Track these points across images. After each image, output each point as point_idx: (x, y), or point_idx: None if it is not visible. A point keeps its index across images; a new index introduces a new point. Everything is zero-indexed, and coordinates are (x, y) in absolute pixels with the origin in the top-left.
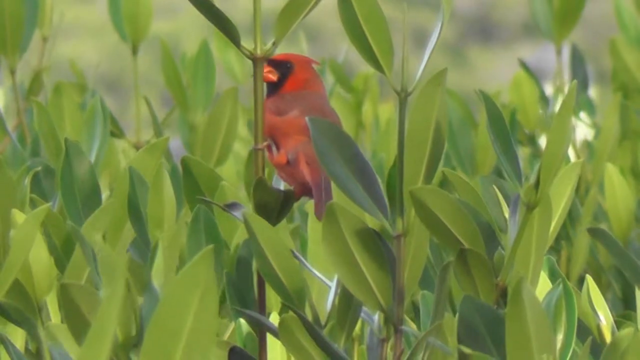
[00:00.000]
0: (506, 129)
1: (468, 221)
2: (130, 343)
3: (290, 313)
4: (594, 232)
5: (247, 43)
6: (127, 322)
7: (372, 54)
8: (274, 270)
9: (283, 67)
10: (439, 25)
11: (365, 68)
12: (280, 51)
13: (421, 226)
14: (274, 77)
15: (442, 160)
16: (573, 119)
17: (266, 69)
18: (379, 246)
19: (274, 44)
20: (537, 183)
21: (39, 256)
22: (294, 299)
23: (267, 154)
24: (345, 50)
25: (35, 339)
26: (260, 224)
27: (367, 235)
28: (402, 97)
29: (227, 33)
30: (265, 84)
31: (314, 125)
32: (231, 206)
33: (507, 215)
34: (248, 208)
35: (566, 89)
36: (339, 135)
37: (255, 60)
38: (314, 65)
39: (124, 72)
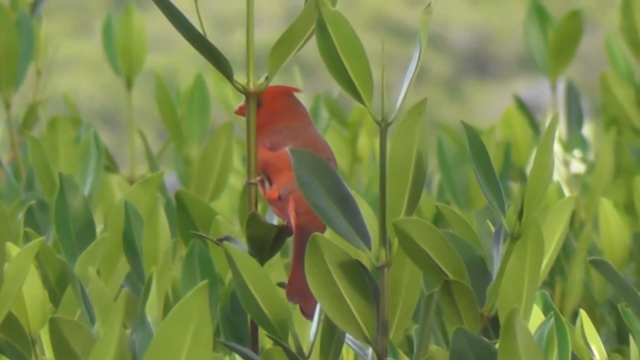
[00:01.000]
0: (489, 160)
1: (452, 252)
2: None
3: (275, 345)
4: (596, 263)
5: (241, 77)
6: (122, 358)
7: (352, 84)
8: (257, 303)
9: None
10: (417, 52)
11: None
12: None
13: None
14: (243, 112)
15: (435, 194)
16: (567, 156)
17: (241, 104)
18: (362, 277)
19: (267, 78)
20: (521, 213)
21: (33, 290)
22: (278, 331)
23: (260, 188)
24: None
25: None
26: (242, 257)
27: (351, 266)
28: (383, 127)
29: (220, 68)
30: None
31: (295, 156)
32: (224, 239)
33: None
34: (242, 242)
35: (561, 125)
36: (321, 166)
37: (248, 94)
38: (294, 94)
39: (120, 106)
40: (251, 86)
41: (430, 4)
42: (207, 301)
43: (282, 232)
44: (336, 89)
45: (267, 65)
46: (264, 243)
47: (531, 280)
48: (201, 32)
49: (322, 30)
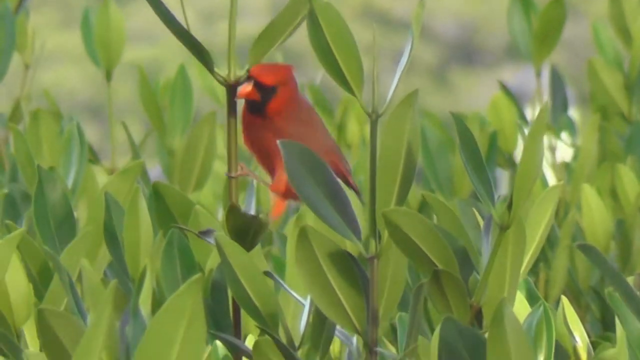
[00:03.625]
0: (478, 150)
1: (441, 243)
2: None
3: (265, 336)
4: (584, 248)
5: (223, 69)
6: (113, 349)
7: (342, 76)
8: (247, 294)
9: (267, 91)
10: (409, 45)
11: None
12: None
13: (399, 250)
14: (255, 96)
15: (419, 182)
16: (554, 140)
17: (249, 87)
18: (352, 268)
19: (247, 70)
20: (510, 204)
21: (17, 282)
22: (268, 322)
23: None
24: (322, 73)
25: None
26: (232, 248)
27: (340, 257)
28: (373, 119)
29: (201, 58)
30: (243, 102)
31: (285, 148)
32: (206, 233)
33: None
34: (223, 233)
35: (548, 111)
36: (311, 158)
37: (228, 86)
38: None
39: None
40: (232, 78)
41: None
42: (200, 294)
43: (262, 223)
44: (319, 78)
45: (249, 57)
46: (245, 234)
47: (513, 268)
48: (184, 24)
49: (313, 21)
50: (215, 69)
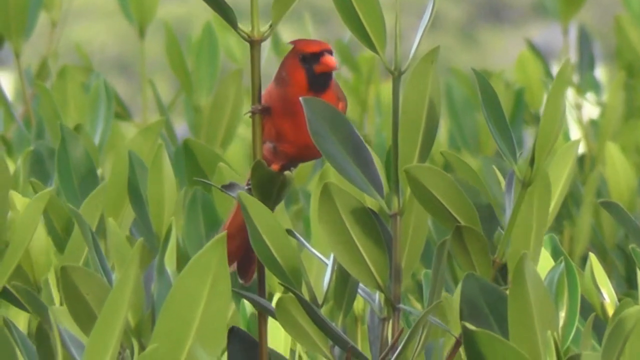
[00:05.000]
0: (500, 106)
1: (463, 198)
2: (142, 328)
3: (288, 293)
4: (606, 205)
5: (246, 26)
6: (138, 306)
7: (365, 34)
8: (270, 251)
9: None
10: (432, 1)
11: None
12: (286, 35)
13: (421, 206)
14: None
15: (444, 140)
16: (579, 99)
17: (332, 58)
18: (375, 225)
19: (271, 26)
20: (532, 159)
21: (38, 238)
22: (291, 279)
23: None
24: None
25: (46, 322)
26: (255, 205)
27: (363, 214)
28: (396, 76)
29: (224, 15)
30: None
31: (307, 105)
32: (229, 187)
33: None
34: (245, 187)
35: (571, 67)
36: (334, 115)
37: (252, 43)
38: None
39: (136, 56)
40: (255, 34)
41: None
42: (225, 253)
43: (286, 179)
44: (347, 35)
45: (271, 13)
46: (270, 191)
47: (539, 226)
48: None
49: None
50: (240, 26)
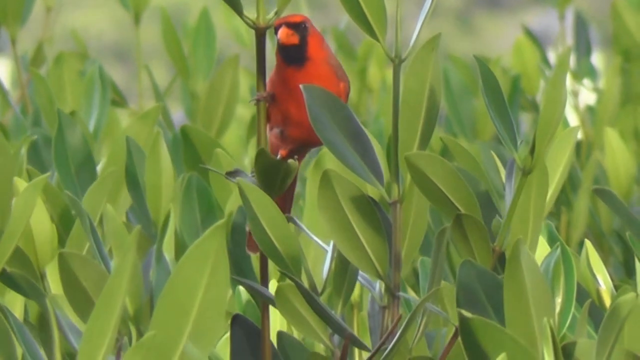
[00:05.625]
0: (501, 94)
1: (464, 186)
2: (140, 315)
3: (287, 281)
4: (599, 192)
5: (250, 12)
6: (136, 293)
7: (366, 21)
8: (269, 238)
9: (299, 28)
10: None
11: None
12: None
13: (421, 194)
14: (295, 39)
15: (442, 126)
16: (576, 85)
17: (286, 31)
18: (375, 213)
19: (276, 13)
20: (533, 148)
21: (41, 224)
22: (290, 266)
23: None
24: (347, 17)
25: (42, 308)
26: (254, 192)
27: (363, 201)
28: (396, 64)
29: (230, 2)
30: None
31: (307, 92)
32: (233, 174)
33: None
34: (250, 175)
35: (570, 55)
36: (333, 101)
37: (257, 29)
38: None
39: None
40: (261, 21)
41: None
42: (224, 240)
43: (290, 167)
44: (343, 22)
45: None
46: (273, 178)
47: (536, 211)
48: None
49: None
50: (245, 13)
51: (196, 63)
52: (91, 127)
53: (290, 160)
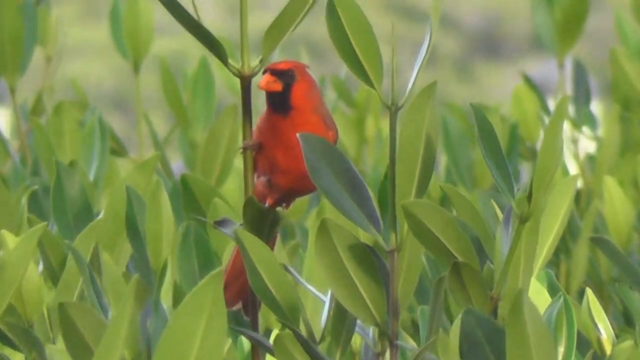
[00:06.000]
0: (497, 140)
1: (461, 234)
2: None
3: (285, 330)
4: (597, 241)
5: (237, 61)
6: (134, 342)
7: (361, 68)
8: (267, 287)
9: (284, 75)
10: (428, 37)
11: None
12: None
13: (414, 240)
14: (277, 86)
15: (441, 174)
16: (575, 133)
17: (267, 78)
18: (372, 261)
19: (261, 61)
20: (530, 195)
21: (29, 276)
22: (288, 315)
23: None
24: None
25: (41, 359)
26: (251, 241)
27: (360, 249)
28: (393, 111)
29: (215, 51)
30: (267, 96)
31: (304, 140)
32: (221, 223)
33: None
34: (238, 224)
35: (568, 103)
36: (330, 150)
37: (242, 77)
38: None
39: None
40: (245, 69)
41: None
42: (221, 288)
43: (278, 215)
44: (344, 71)
45: (261, 48)
46: (261, 226)
47: (527, 262)
48: (195, 16)
49: (331, 13)
50: (230, 61)
51: (195, 112)
52: (91, 176)
53: (278, 208)
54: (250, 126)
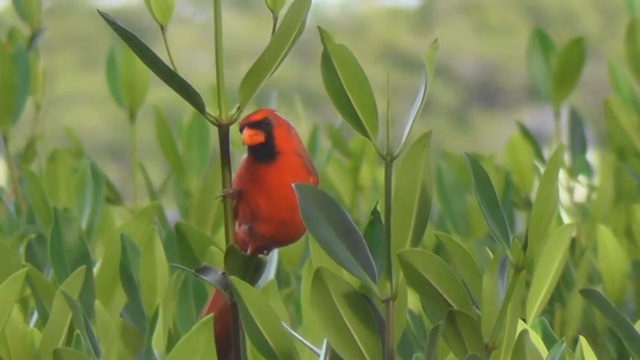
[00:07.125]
0: (493, 190)
1: (456, 283)
2: None
3: None
4: (587, 293)
5: (246, 110)
6: None
7: (357, 119)
8: (263, 336)
9: (262, 125)
10: (423, 87)
11: None
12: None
13: (401, 289)
14: (260, 138)
15: (435, 222)
16: (571, 182)
17: (248, 132)
18: (367, 310)
19: (238, 109)
20: (525, 244)
21: (15, 324)
22: None
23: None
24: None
25: None
26: (246, 289)
27: (356, 298)
28: (388, 161)
29: (191, 100)
30: (252, 149)
31: (299, 190)
32: (203, 271)
33: None
34: (220, 272)
35: (564, 152)
36: (325, 199)
37: (220, 126)
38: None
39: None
40: (223, 118)
41: (436, 40)
42: (212, 335)
43: (260, 262)
44: (338, 119)
45: (239, 96)
46: (244, 275)
47: (513, 307)
48: (170, 66)
49: (327, 64)
50: (208, 110)
51: (190, 161)
52: (84, 224)
53: (260, 256)
54: (230, 174)
